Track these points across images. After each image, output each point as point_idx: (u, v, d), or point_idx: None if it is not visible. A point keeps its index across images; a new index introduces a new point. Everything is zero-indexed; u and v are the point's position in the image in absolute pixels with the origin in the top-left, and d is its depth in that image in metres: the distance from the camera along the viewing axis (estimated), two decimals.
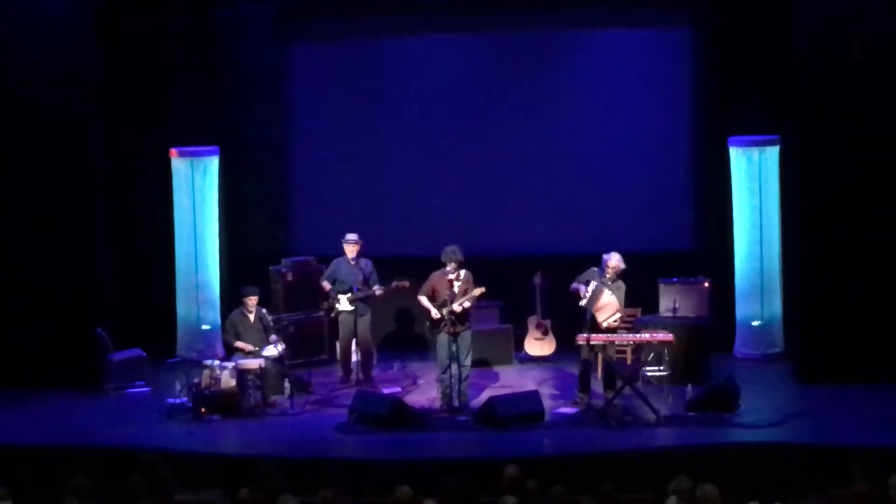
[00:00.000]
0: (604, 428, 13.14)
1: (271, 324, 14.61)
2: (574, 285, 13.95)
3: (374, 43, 17.29)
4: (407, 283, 14.78)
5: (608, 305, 13.70)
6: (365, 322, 15.12)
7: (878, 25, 14.36)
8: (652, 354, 14.16)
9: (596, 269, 13.91)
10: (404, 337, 16.72)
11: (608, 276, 13.80)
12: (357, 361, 15.16)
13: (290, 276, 16.17)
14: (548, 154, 17.08)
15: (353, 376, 15.19)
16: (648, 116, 16.97)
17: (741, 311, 16.14)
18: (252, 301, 14.55)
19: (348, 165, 17.31)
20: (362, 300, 15.04)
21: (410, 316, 16.33)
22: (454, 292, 13.81)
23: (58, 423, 13.87)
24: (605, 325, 13.71)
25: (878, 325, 14.51)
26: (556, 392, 14.60)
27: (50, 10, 15.06)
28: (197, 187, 16.53)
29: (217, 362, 14.12)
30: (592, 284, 13.75)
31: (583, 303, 13.76)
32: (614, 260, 13.83)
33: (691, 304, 15.16)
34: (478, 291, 13.93)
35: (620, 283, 13.89)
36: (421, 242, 16.16)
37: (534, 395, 13.80)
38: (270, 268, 16.28)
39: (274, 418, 13.84)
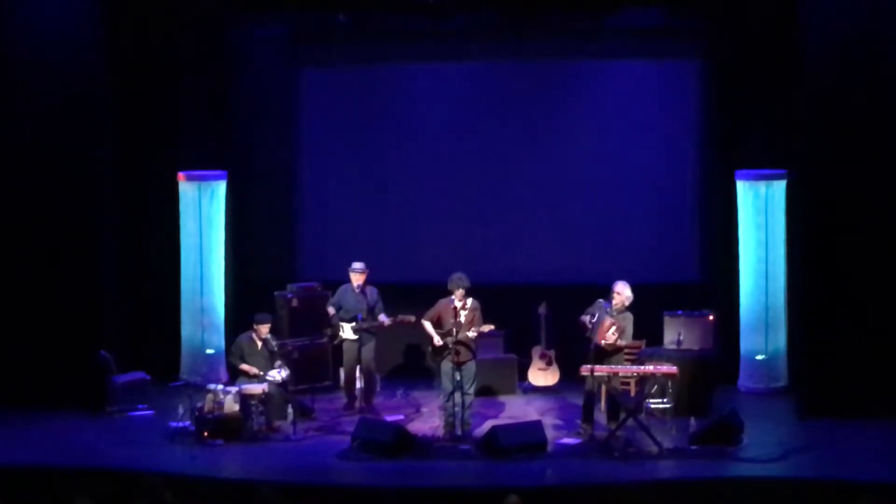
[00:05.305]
0: (606, 459, 13.11)
1: (276, 349, 14.59)
2: (581, 317, 13.96)
3: (385, 69, 17.30)
4: (412, 319, 14.73)
5: (606, 328, 13.68)
6: (369, 349, 15.11)
7: (888, 61, 14.39)
8: (656, 387, 14.15)
9: (602, 301, 13.90)
10: (409, 365, 16.71)
11: (615, 306, 13.80)
12: (360, 388, 15.16)
13: (295, 302, 16.16)
14: (555, 183, 17.08)
15: (357, 403, 15.18)
16: (656, 147, 16.96)
17: (746, 344, 16.13)
18: (264, 329, 14.50)
19: (356, 191, 17.30)
20: (366, 330, 15.04)
21: (416, 344, 16.28)
22: (460, 321, 13.79)
23: (60, 444, 13.86)
24: (603, 343, 13.67)
25: (882, 361, 14.48)
26: (559, 422, 14.58)
27: (60, 31, 15.12)
28: (204, 211, 16.57)
29: (221, 386, 14.12)
30: (597, 316, 13.76)
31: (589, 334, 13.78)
32: (619, 286, 13.83)
33: (696, 337, 15.13)
34: (486, 328, 13.92)
35: (628, 314, 13.86)
36: (427, 270, 16.10)
37: (537, 425, 13.78)
38: (276, 293, 16.28)
39: (277, 444, 13.82)
